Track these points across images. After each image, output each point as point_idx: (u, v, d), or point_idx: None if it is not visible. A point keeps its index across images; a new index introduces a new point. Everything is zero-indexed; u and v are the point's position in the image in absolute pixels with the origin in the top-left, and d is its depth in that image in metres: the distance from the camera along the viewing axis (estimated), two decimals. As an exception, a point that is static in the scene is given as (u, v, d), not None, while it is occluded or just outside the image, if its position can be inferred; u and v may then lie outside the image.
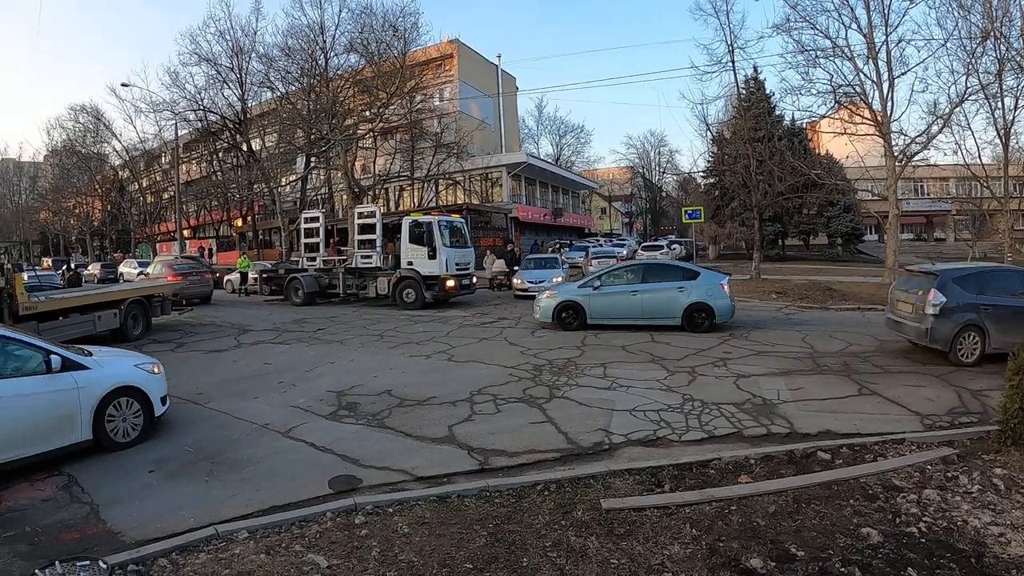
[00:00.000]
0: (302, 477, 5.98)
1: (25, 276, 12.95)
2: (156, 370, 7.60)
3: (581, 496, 5.20)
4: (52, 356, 6.44)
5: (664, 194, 76.83)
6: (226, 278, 27.88)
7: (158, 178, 56.15)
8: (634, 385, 8.93)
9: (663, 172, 75.46)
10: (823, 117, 25.20)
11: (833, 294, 19.57)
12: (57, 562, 3.48)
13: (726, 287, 13.26)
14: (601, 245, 40.77)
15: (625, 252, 37.30)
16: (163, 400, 7.48)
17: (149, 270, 25.09)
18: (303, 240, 22.71)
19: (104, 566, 3.47)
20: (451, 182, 43.95)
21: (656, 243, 39.45)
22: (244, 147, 43.33)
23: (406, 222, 19.76)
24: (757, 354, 10.90)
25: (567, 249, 37.09)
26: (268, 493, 5.59)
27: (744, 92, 34.41)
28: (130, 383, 7.08)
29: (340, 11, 37.09)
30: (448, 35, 47.93)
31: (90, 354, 7.21)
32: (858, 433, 6.68)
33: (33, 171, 64.60)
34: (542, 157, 58.11)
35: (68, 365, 6.55)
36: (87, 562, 3.51)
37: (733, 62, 26.21)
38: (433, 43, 42.93)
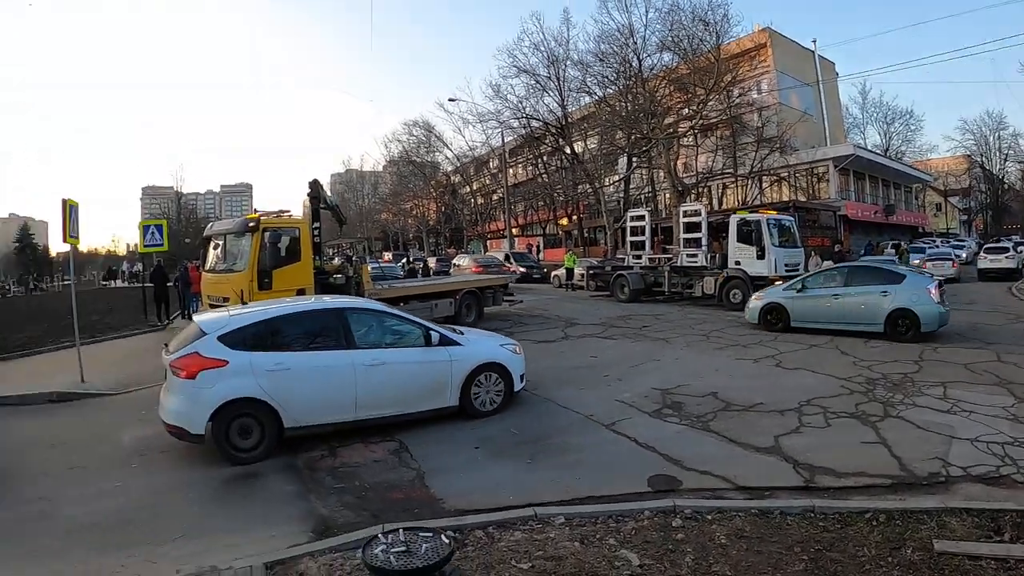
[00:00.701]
0: (621, 471, 5.86)
1: (370, 267, 15.06)
2: (517, 351, 8.41)
3: (912, 532, 4.51)
4: (432, 332, 7.62)
5: (1006, 186, 62.74)
6: (553, 274, 29.53)
7: (487, 181, 61.28)
8: (977, 411, 7.35)
9: (1005, 159, 61.45)
10: None
11: None
12: (401, 529, 3.62)
13: (934, 292, 11.98)
14: (937, 246, 34.82)
15: (964, 255, 32.00)
16: (521, 378, 8.25)
17: (457, 261, 29.10)
18: (628, 238, 23.01)
19: (446, 541, 3.51)
20: (776, 178, 41.05)
21: (999, 244, 31.56)
22: (567, 150, 45.54)
23: (733, 220, 18.85)
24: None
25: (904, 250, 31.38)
26: (587, 483, 5.55)
27: None
28: (495, 360, 7.98)
29: (647, 12, 36.40)
30: (758, 24, 44.36)
31: (461, 333, 8.26)
32: None
33: (374, 179, 75.74)
34: (870, 148, 50.86)
35: (444, 341, 7.67)
36: (430, 533, 3.59)
37: None
38: (745, 33, 39.96)
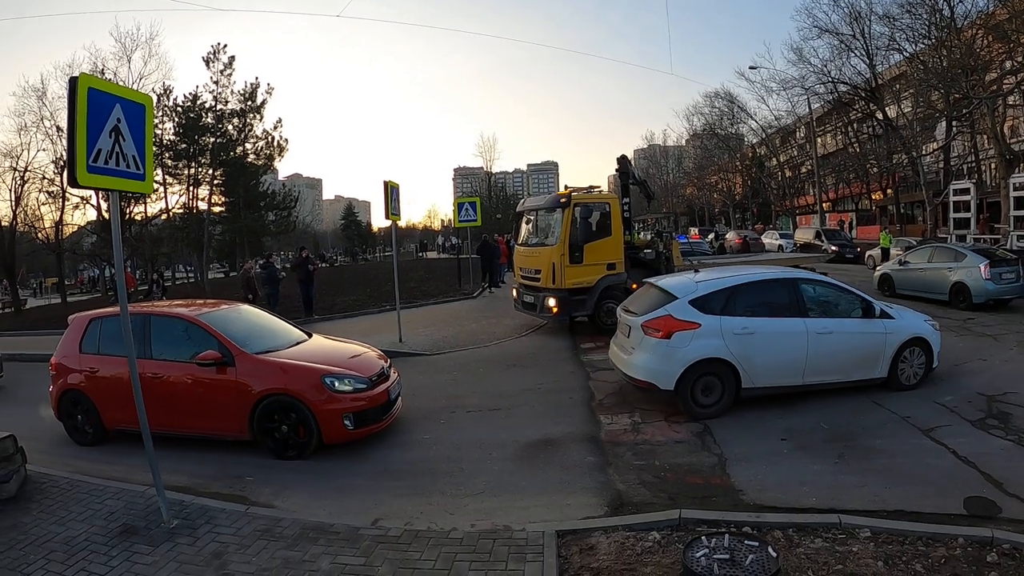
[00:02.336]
0: (936, 487, 5.11)
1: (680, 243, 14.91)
2: (936, 327, 8.23)
3: None
4: (872, 305, 7.84)
5: None
6: (867, 253, 26.60)
7: (794, 153, 57.20)
8: None
9: None
10: None
11: None
12: (727, 535, 3.48)
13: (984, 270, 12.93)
14: None
15: None
16: (937, 356, 8.07)
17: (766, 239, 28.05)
18: (951, 215, 20.22)
19: (773, 555, 3.28)
20: None
21: None
22: (878, 115, 40.25)
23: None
24: None
25: None
26: (896, 493, 4.97)
27: None
28: (921, 335, 7.93)
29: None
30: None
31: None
32: None
33: (678, 153, 74.44)
34: None
35: (882, 314, 7.82)
36: (756, 544, 3.36)
37: None
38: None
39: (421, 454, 6.52)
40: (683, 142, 71.20)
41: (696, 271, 8.96)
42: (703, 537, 3.48)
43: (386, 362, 7.52)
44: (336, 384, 6.48)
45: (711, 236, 35.84)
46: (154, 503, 5.29)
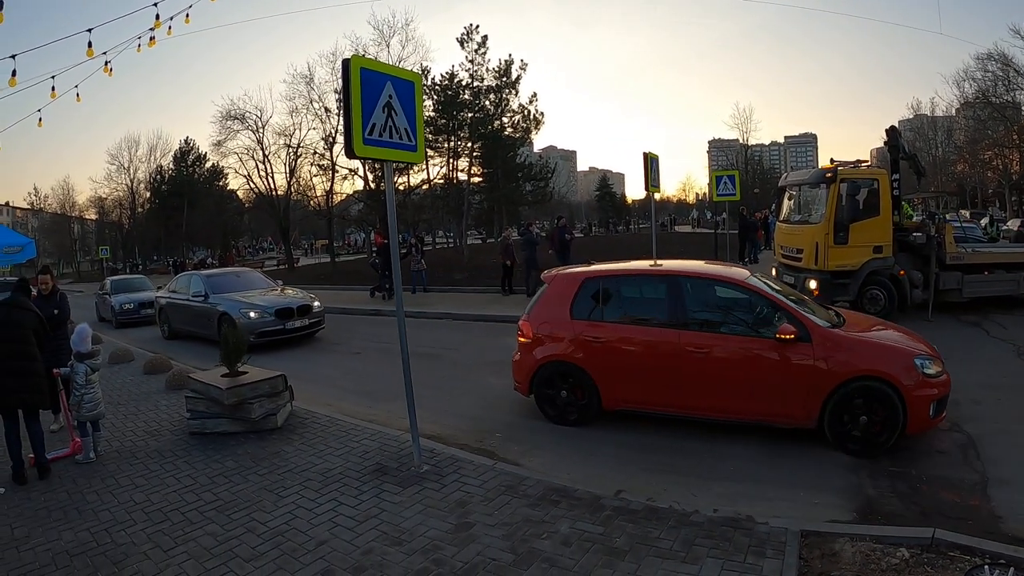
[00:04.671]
0: None
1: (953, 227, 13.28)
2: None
3: None
4: None
5: None
6: None
7: None
8: None
9: None
10: None
11: None
12: (1012, 568, 3.30)
13: None
14: None
15: None
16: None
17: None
18: None
19: None
20: None
21: None
22: None
23: None
24: None
25: None
26: None
27: None
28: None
29: None
30: None
31: None
32: None
33: (947, 124, 64.25)
34: None
35: None
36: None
37: None
38: None
39: (671, 431, 6.65)
40: (953, 111, 61.12)
41: None
42: (987, 567, 3.36)
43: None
44: (925, 367, 5.86)
45: (984, 220, 30.98)
46: (407, 447, 5.93)
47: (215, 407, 7.05)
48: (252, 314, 12.89)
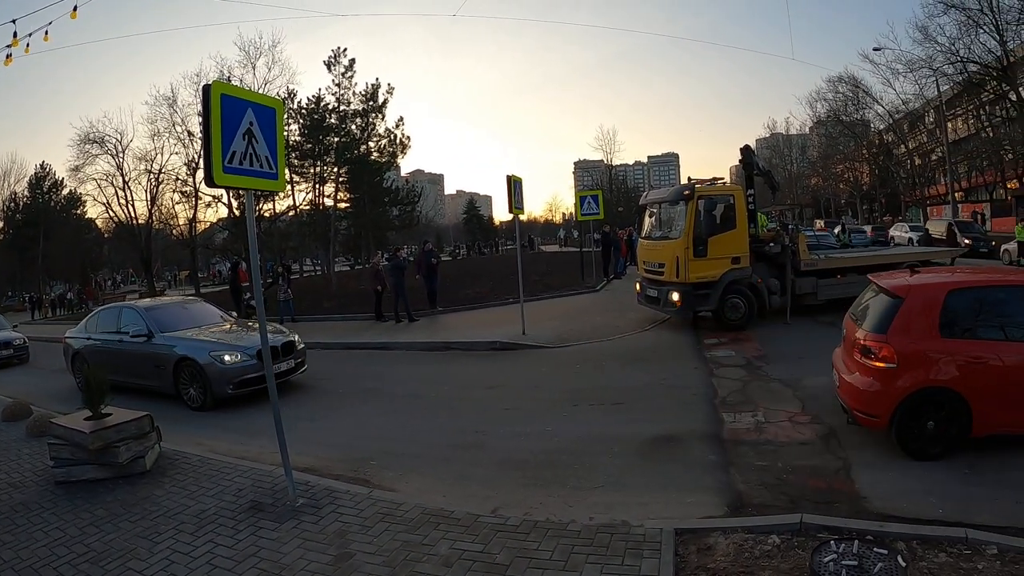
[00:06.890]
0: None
1: (806, 236, 14.29)
2: None
3: None
4: None
5: None
6: (1003, 247, 24.33)
7: (924, 139, 52.40)
8: None
9: None
10: None
11: None
12: (856, 541, 3.46)
13: None
14: None
15: None
16: None
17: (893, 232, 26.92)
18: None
19: (903, 564, 3.23)
20: None
21: None
22: (1012, 96, 35.95)
23: None
24: None
25: None
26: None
27: None
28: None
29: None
30: None
31: None
32: None
33: (801, 142, 70.43)
34: None
35: None
36: (885, 552, 3.35)
37: None
38: None
39: (543, 445, 6.79)
40: (807, 130, 67.39)
41: None
42: (832, 542, 3.52)
43: None
44: None
45: (837, 229, 33.95)
46: (282, 482, 5.72)
47: (80, 453, 6.48)
48: (227, 357, 9.87)
